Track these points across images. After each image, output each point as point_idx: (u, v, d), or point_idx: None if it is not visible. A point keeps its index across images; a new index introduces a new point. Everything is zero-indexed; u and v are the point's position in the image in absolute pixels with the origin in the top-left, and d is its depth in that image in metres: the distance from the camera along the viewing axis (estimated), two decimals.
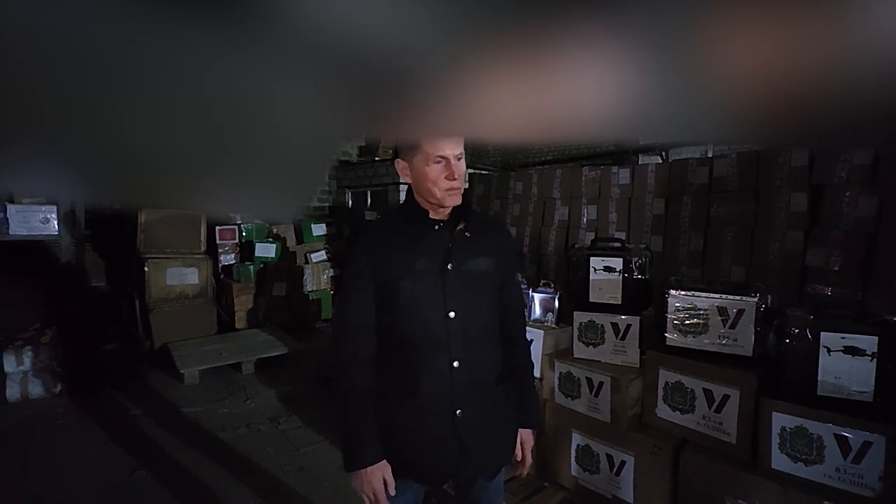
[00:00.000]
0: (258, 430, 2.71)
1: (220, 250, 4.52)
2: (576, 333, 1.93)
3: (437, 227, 1.10)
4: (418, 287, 1.05)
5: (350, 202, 7.31)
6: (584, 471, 1.84)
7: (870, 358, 1.27)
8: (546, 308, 2.13)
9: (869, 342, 1.26)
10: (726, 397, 1.51)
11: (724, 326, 1.54)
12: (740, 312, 1.52)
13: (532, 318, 2.14)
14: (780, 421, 1.40)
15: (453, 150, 1.03)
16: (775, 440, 1.41)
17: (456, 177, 1.03)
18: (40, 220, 3.07)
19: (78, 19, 0.27)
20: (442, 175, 1.03)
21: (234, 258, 4.59)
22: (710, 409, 1.54)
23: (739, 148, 2.91)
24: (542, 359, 2.00)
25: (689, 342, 1.60)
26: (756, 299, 1.49)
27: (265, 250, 4.59)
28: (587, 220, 3.44)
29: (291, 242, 5.10)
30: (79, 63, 0.29)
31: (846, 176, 2.29)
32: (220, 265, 4.53)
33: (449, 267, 1.06)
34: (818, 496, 1.32)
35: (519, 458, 1.21)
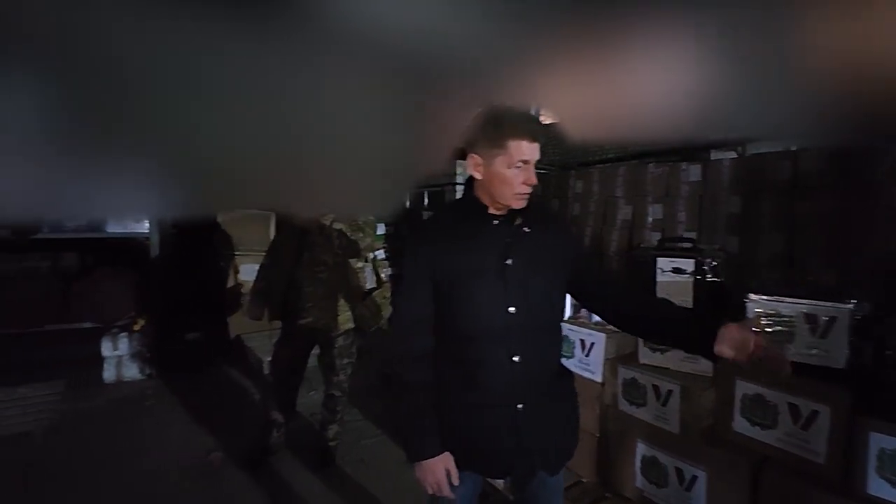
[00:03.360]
0: (319, 422, 2.83)
1: None
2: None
3: (495, 221, 1.10)
4: (478, 282, 1.07)
5: (407, 202, 7.45)
6: (650, 483, 1.75)
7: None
8: None
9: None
10: (815, 413, 1.37)
11: (814, 335, 1.40)
12: (832, 320, 1.38)
13: (593, 320, 2.07)
14: (879, 442, 1.25)
15: (535, 155, 1.03)
16: (872, 463, 1.26)
17: (532, 183, 1.04)
18: (133, 220, 3.40)
19: (164, 41, 0.29)
20: (519, 179, 1.03)
21: None
22: (795, 425, 1.41)
23: (829, 143, 2.64)
24: (603, 363, 1.93)
25: None
26: (851, 306, 1.34)
27: None
28: (653, 219, 3.27)
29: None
30: (167, 80, 0.31)
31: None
32: None
33: (509, 262, 1.07)
34: None
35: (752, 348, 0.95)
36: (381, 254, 5.30)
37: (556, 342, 1.17)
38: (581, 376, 2.02)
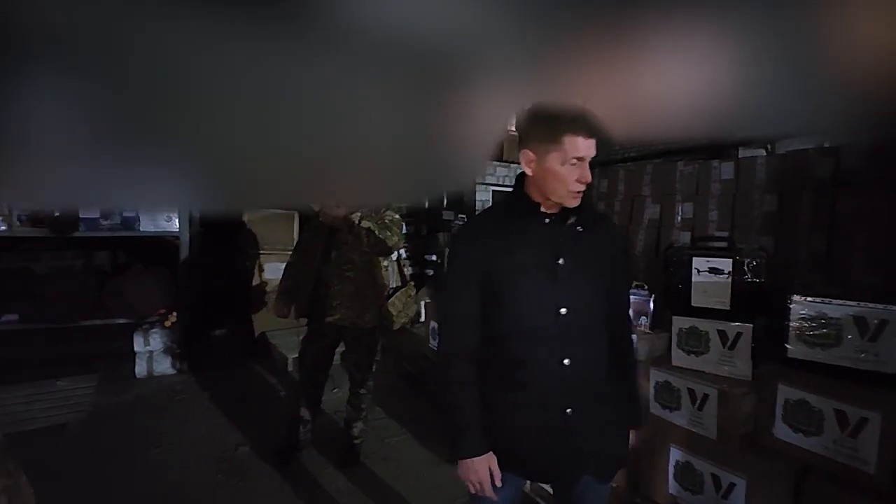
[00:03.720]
0: (345, 419, 2.85)
1: None
2: (675, 340, 1.79)
3: (547, 220, 1.07)
4: (529, 281, 1.04)
5: (426, 202, 7.46)
6: (684, 490, 1.69)
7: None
8: (639, 311, 2.01)
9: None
10: (864, 420, 1.31)
11: (863, 339, 1.33)
12: (883, 324, 1.31)
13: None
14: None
15: (591, 152, 1.00)
16: None
17: (587, 181, 1.01)
18: (164, 219, 3.48)
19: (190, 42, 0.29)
20: (573, 177, 1.00)
21: None
22: (842, 432, 1.34)
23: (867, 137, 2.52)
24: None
25: (817, 355, 1.41)
26: None
27: None
28: (682, 218, 3.19)
29: None
30: (199, 82, 0.31)
31: None
32: None
33: (561, 262, 1.04)
34: None
35: None
36: (403, 253, 5.32)
37: (605, 343, 1.13)
38: None
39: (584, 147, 0.99)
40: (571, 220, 1.08)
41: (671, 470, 1.73)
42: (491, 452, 1.08)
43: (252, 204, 3.50)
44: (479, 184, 7.45)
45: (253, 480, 2.20)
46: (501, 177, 7.46)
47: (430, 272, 5.57)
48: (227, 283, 4.46)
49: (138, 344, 3.41)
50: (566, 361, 1.04)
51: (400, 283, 2.51)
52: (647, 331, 1.97)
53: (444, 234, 6.06)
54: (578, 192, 1.03)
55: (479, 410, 1.08)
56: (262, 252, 4.34)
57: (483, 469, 1.06)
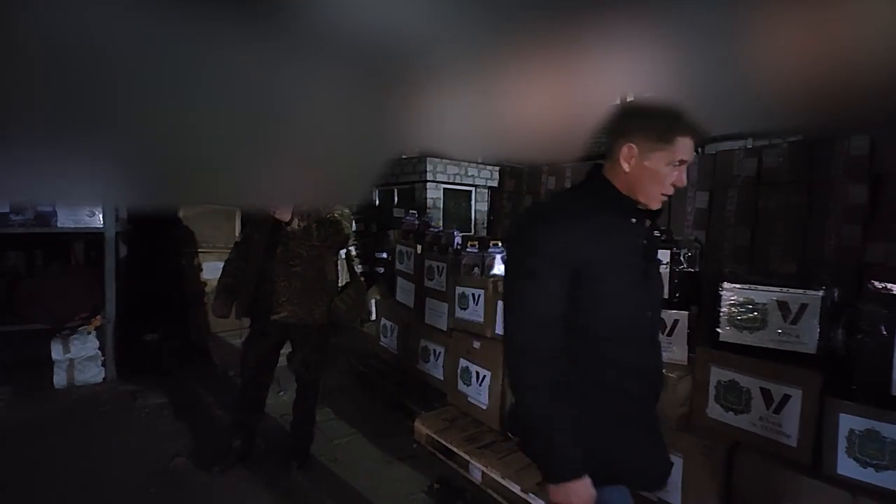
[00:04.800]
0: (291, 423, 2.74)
1: None
2: None
3: (633, 220, 1.00)
4: (626, 282, 0.97)
5: (377, 200, 7.36)
6: None
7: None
8: None
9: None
10: (787, 397, 1.41)
11: (786, 322, 1.44)
12: (803, 307, 1.42)
13: None
14: (849, 423, 1.30)
15: (692, 156, 0.95)
16: (842, 444, 1.31)
17: (682, 185, 0.97)
18: (86, 214, 3.19)
19: (118, 30, 0.27)
20: (671, 179, 0.94)
21: None
22: (767, 409, 1.45)
23: (790, 138, 2.76)
24: None
25: (745, 338, 1.51)
26: (822, 293, 1.39)
27: None
28: None
29: None
30: (124, 70, 0.29)
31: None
32: None
33: (648, 264, 1.01)
34: None
35: None
36: (353, 250, 5.21)
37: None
38: None
39: (691, 151, 0.94)
40: (649, 223, 1.02)
41: None
42: (587, 478, 0.93)
43: (187, 200, 3.28)
44: (430, 181, 7.45)
45: (189, 492, 2.06)
46: (452, 175, 7.49)
47: (381, 270, 5.49)
48: (160, 283, 4.17)
49: (56, 352, 3.10)
50: (655, 363, 1.03)
51: (349, 281, 2.43)
52: None
53: (395, 231, 6.00)
54: (667, 196, 0.98)
55: (571, 428, 0.94)
56: (200, 250, 4.09)
57: (587, 494, 0.92)
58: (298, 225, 2.08)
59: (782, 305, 1.45)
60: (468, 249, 2.82)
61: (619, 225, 0.99)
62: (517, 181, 4.28)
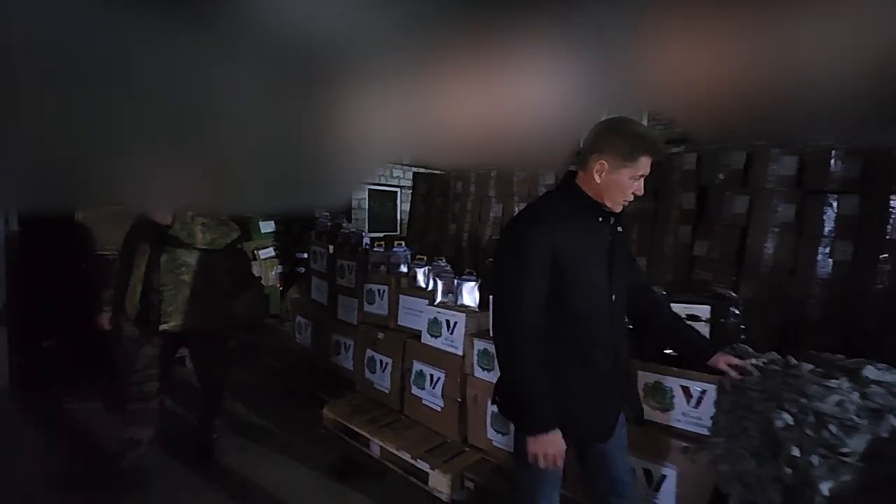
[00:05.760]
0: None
1: None
2: None
3: (601, 219, 1.23)
4: (593, 270, 1.21)
5: (314, 211, 7.33)
6: (497, 433, 2.10)
7: (705, 323, 1.59)
8: (469, 294, 2.38)
9: (703, 310, 1.59)
10: (704, 392, 1.68)
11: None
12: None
13: (458, 303, 2.39)
14: (644, 378, 1.70)
15: (648, 171, 1.19)
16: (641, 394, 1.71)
17: (641, 194, 1.20)
18: None
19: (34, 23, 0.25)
20: (632, 189, 1.18)
21: None
22: (688, 404, 1.82)
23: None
24: (464, 338, 2.24)
25: None
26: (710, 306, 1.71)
27: None
28: None
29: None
30: (26, 65, 0.27)
31: (724, 178, 2.69)
32: None
33: (613, 256, 1.24)
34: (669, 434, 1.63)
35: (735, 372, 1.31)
36: (269, 251, 5.22)
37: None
38: (447, 352, 2.32)
39: (648, 166, 1.17)
40: (613, 221, 1.25)
41: (488, 420, 2.13)
42: (559, 429, 1.17)
43: (82, 202, 3.18)
44: (375, 185, 7.58)
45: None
46: (377, 176, 7.65)
47: (302, 270, 5.54)
48: (59, 288, 3.96)
49: None
50: (615, 339, 1.25)
51: (246, 282, 2.51)
52: (476, 310, 2.34)
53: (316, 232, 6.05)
54: (628, 202, 1.21)
55: (552, 391, 1.16)
56: (101, 254, 3.94)
57: (560, 442, 1.16)
58: (181, 228, 2.04)
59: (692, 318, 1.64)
60: (375, 249, 3.05)
61: (591, 224, 1.22)
62: (429, 185, 4.57)
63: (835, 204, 2.29)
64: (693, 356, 1.43)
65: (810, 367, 1.34)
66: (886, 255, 2.14)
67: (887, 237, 2.14)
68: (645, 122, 3.14)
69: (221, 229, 2.16)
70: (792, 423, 1.21)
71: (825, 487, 1.14)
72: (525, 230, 1.21)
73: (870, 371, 1.28)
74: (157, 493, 2.09)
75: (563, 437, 1.17)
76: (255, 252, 5.10)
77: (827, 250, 2.30)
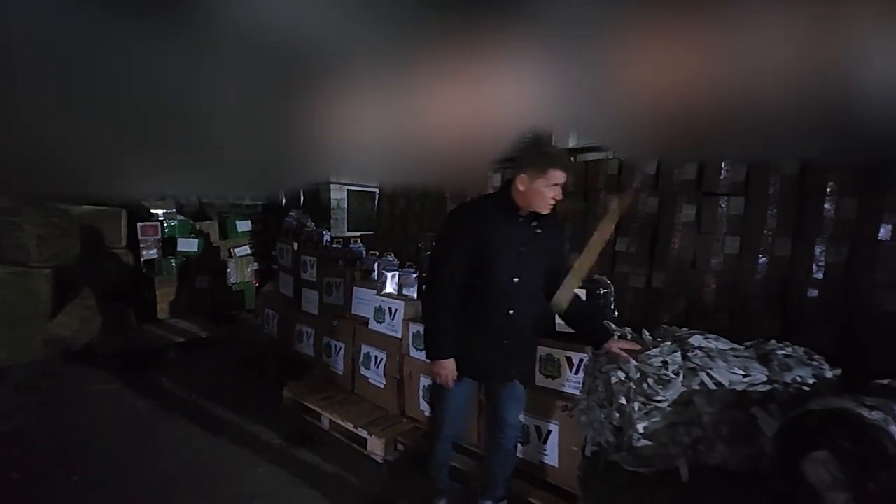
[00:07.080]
0: (176, 405, 3.09)
1: (142, 245, 4.74)
2: None
3: (520, 219, 1.62)
4: (502, 259, 1.60)
5: (283, 200, 7.58)
6: (428, 405, 2.41)
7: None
8: (408, 284, 2.69)
9: (581, 293, 1.92)
10: (581, 360, 2.11)
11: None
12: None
13: (401, 293, 2.69)
14: (539, 351, 2.03)
15: (565, 179, 1.55)
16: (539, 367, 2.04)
17: (559, 198, 1.56)
18: None
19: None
20: (550, 195, 1.55)
21: (157, 253, 4.83)
22: (570, 372, 2.15)
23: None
24: (402, 323, 2.55)
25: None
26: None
27: (187, 245, 4.88)
28: None
29: (215, 238, 5.38)
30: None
31: (640, 182, 3.03)
32: (142, 259, 4.76)
33: (522, 249, 1.62)
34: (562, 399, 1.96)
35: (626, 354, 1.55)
36: (245, 249, 5.48)
37: (539, 305, 1.71)
38: (388, 335, 2.63)
39: (561, 177, 1.53)
40: (534, 224, 1.63)
41: (421, 394, 2.44)
42: (453, 359, 1.63)
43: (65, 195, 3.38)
44: (334, 183, 7.83)
45: None
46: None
47: (276, 267, 5.80)
48: None
49: None
50: (511, 311, 1.63)
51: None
52: (413, 298, 2.65)
53: None
54: (551, 206, 1.58)
55: (452, 331, 1.62)
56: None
57: (451, 367, 1.63)
58: None
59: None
60: (334, 246, 3.36)
61: (510, 220, 1.61)
62: (393, 187, 4.88)
63: (725, 205, 2.64)
64: (589, 342, 1.74)
65: (650, 337, 1.68)
66: (764, 249, 2.50)
67: (765, 234, 2.49)
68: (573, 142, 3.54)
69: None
70: (624, 378, 1.54)
71: (640, 426, 1.47)
72: (459, 213, 1.69)
73: (696, 339, 1.62)
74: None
75: (467, 370, 1.66)
76: (232, 250, 5.35)
77: (719, 245, 2.65)
